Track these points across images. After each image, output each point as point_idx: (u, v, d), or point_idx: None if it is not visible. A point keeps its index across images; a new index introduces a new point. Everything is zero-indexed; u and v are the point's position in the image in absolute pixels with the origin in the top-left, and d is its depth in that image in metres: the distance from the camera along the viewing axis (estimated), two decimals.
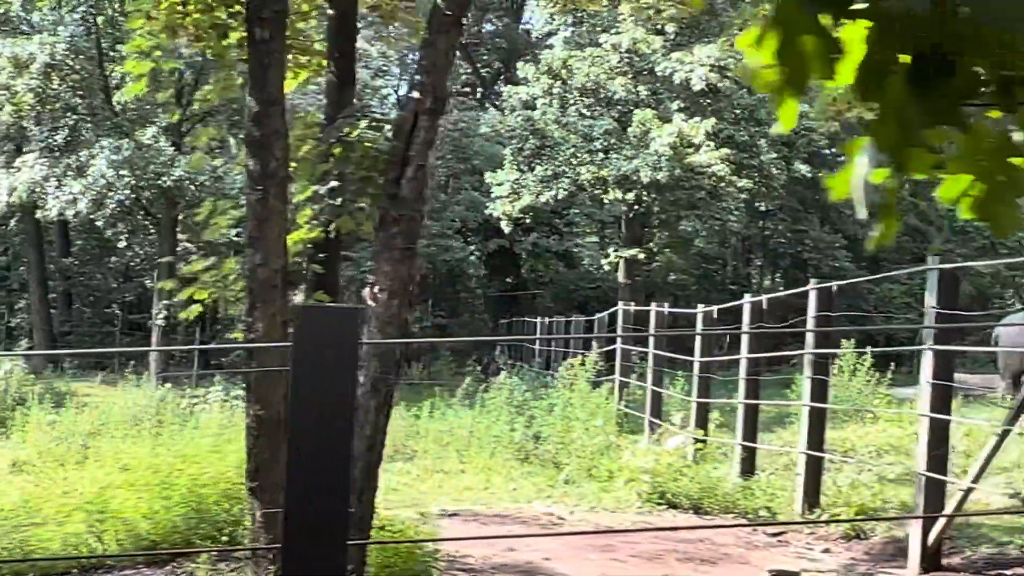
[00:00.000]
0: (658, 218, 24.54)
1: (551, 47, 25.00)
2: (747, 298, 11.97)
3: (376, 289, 6.57)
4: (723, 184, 21.95)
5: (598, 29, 23.37)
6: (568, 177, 22.56)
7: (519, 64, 25.28)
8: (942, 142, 1.32)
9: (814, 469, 9.94)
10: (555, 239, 30.11)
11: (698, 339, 13.07)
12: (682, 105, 22.97)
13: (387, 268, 6.56)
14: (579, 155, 22.51)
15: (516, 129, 23.67)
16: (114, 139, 23.14)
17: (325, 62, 7.23)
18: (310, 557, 2.65)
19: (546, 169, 23.00)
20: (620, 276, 25.43)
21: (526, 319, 32.40)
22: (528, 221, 25.90)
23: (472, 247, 31.38)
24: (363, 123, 6.33)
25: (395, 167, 6.44)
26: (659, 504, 10.16)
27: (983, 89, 1.26)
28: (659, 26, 23.20)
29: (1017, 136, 1.44)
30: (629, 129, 22.36)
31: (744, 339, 11.78)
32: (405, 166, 6.43)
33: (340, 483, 2.69)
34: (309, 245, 6.64)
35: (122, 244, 27.38)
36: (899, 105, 1.18)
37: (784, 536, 9.58)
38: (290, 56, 7.16)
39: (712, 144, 22.04)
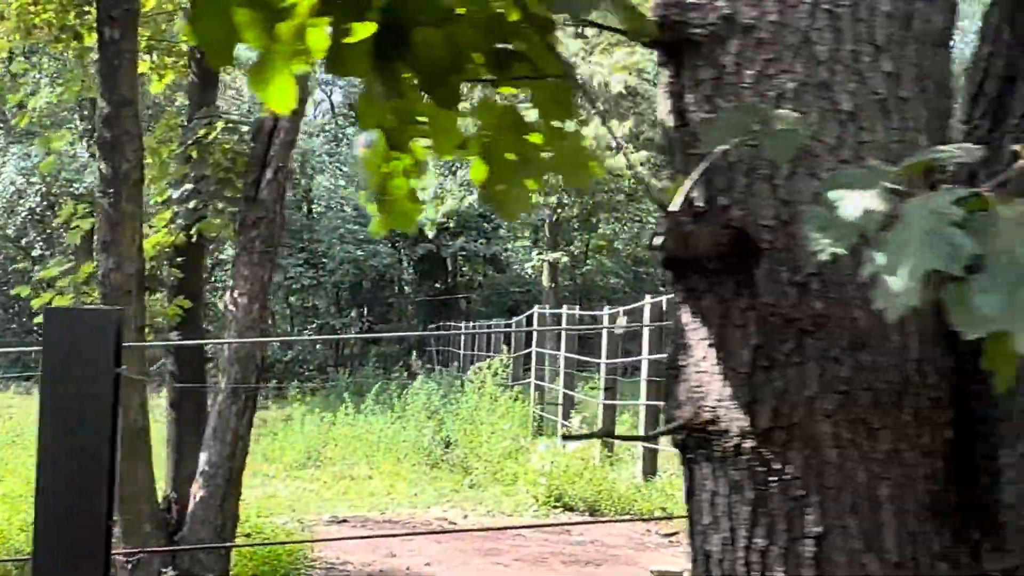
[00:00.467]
0: (577, 221, 24.53)
1: None
2: (647, 299, 12.00)
3: (236, 293, 6.47)
4: (642, 186, 21.94)
5: None
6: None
7: None
8: (452, 122, 1.27)
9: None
10: (483, 243, 29.98)
11: (604, 341, 13.06)
12: (602, 108, 22.94)
13: (246, 272, 6.46)
14: None
15: None
16: (24, 145, 22.68)
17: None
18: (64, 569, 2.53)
19: (467, 173, 22.88)
20: (544, 280, 25.41)
21: (453, 324, 32.26)
22: (452, 225, 25.74)
23: (402, 252, 31.13)
24: (220, 125, 6.20)
25: (254, 169, 6.34)
26: (555, 507, 10.14)
27: (471, 63, 1.21)
28: (579, 30, 23.22)
29: (531, 113, 1.40)
30: None
31: (645, 340, 11.82)
32: (264, 168, 6.34)
33: (96, 496, 2.55)
34: (168, 249, 6.50)
35: (35, 252, 26.82)
36: (367, 79, 1.12)
37: (677, 536, 9.61)
38: (155, 56, 7.03)
39: (631, 147, 22.09)
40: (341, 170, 32.22)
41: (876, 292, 0.92)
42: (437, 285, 31.63)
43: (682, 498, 1.28)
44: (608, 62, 22.61)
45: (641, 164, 21.86)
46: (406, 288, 32.77)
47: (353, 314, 32.70)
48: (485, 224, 30.03)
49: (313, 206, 32.87)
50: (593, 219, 24.86)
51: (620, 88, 22.30)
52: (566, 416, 14.44)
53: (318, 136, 33.87)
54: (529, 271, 28.16)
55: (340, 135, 34.59)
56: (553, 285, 24.91)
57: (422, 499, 10.78)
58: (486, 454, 12.25)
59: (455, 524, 9.33)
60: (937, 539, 1.21)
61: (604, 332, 13.06)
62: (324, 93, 36.82)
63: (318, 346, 30.88)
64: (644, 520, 9.68)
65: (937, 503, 1.22)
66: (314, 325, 32.22)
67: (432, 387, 16.88)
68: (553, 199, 22.17)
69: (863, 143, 1.26)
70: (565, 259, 24.29)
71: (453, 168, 23.68)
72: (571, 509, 10.14)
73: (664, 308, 11.75)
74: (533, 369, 16.99)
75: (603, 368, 12.89)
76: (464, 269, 32.63)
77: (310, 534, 8.18)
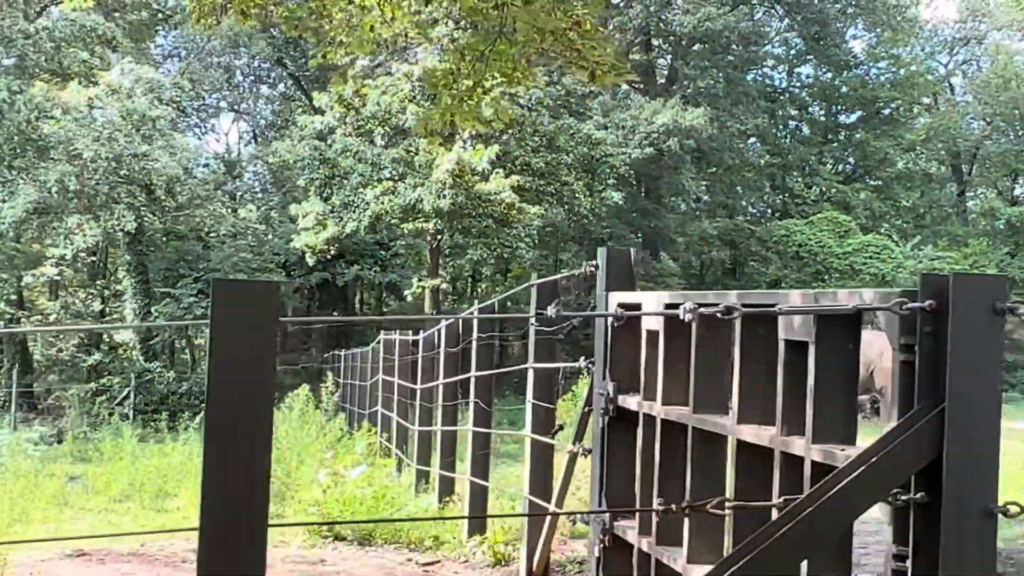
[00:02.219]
0: (447, 247, 24.36)
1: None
2: (443, 322, 11.77)
3: None
4: (514, 211, 21.89)
5: (393, 58, 23.17)
6: (358, 207, 22.26)
7: (315, 94, 24.97)
8: None
9: (479, 496, 9.77)
10: (378, 271, 29.74)
11: (419, 366, 12.83)
12: (473, 133, 22.88)
13: None
14: (371, 184, 22.23)
15: (305, 159, 23.31)
16: None
17: None
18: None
19: (339, 199, 22.66)
20: (427, 306, 25.20)
21: (352, 351, 31.96)
22: (347, 254, 25.47)
23: (298, 279, 30.85)
24: None
25: None
26: (326, 537, 9.83)
27: None
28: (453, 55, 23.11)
29: None
30: (416, 158, 22.18)
31: (441, 364, 11.57)
32: None
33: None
34: None
35: None
36: None
37: (435, 565, 9.34)
38: None
39: (501, 171, 21.98)
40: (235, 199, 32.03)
41: None
42: (335, 313, 31.36)
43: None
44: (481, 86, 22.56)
45: (512, 188, 21.78)
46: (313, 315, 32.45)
47: None
48: (382, 252, 29.86)
49: (210, 236, 32.50)
50: (462, 245, 24.70)
51: (489, 112, 22.21)
52: (400, 443, 14.20)
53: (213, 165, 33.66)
54: (408, 298, 27.93)
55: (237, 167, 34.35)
56: (435, 311, 24.68)
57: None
58: (288, 483, 11.94)
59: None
60: None
61: (420, 356, 12.85)
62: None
63: None
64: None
65: None
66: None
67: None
68: (430, 224, 21.99)
69: None
70: (444, 285, 24.10)
71: (324, 194, 23.44)
72: (342, 539, 9.82)
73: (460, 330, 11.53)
74: (380, 397, 16.73)
75: (418, 394, 12.67)
76: (366, 296, 32.44)
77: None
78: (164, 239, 32.45)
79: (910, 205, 45.96)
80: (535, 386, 7.32)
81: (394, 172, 22.37)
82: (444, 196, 21.17)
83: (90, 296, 34.28)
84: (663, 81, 40.01)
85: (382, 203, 21.66)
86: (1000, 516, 3.02)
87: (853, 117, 46.75)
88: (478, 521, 9.38)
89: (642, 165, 31.53)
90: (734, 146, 36.22)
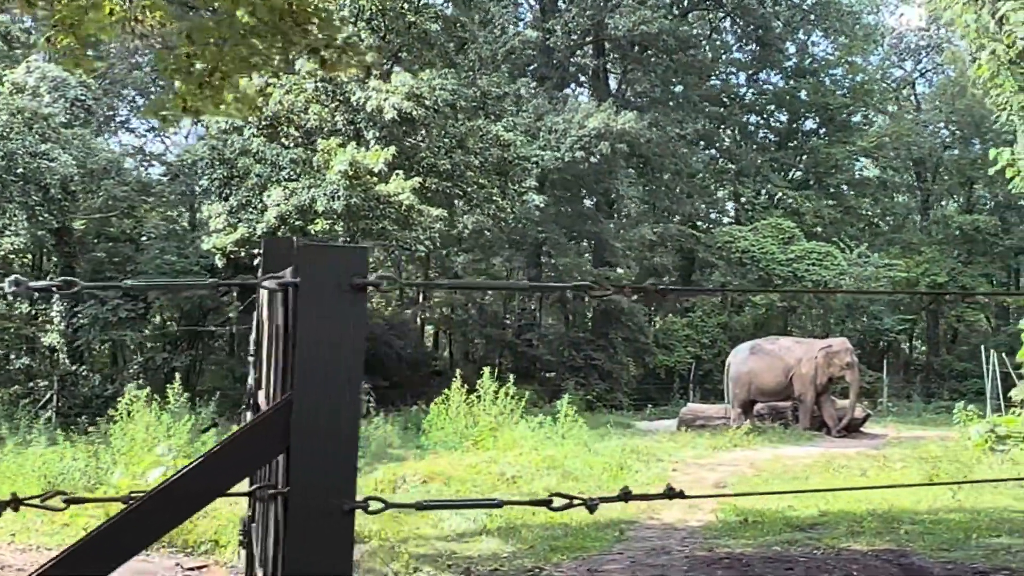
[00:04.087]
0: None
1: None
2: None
3: None
4: (414, 213, 21.53)
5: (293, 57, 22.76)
6: (256, 208, 21.91)
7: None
8: None
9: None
10: None
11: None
12: (378, 135, 22.56)
13: None
14: (270, 185, 21.89)
15: (205, 159, 22.96)
16: None
17: None
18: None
19: (237, 200, 22.31)
20: None
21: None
22: (253, 254, 25.03)
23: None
24: None
25: None
26: None
27: None
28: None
29: None
30: (314, 158, 21.83)
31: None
32: None
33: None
34: None
35: None
36: None
37: (201, 570, 9.02)
38: None
39: (402, 173, 21.64)
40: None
41: None
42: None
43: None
44: (385, 87, 22.24)
45: (413, 191, 21.41)
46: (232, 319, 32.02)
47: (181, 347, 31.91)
48: None
49: (141, 238, 32.15)
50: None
51: (393, 114, 21.90)
52: None
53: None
54: None
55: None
56: None
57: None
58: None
59: None
60: None
61: None
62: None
63: (140, 380, 30.04)
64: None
65: None
66: (139, 359, 31.45)
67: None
68: (328, 226, 21.63)
69: None
70: None
71: (223, 195, 23.06)
72: None
73: None
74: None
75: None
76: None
77: None
78: (95, 241, 32.12)
79: (865, 213, 45.66)
80: None
81: (292, 173, 22.00)
82: (338, 197, 20.81)
83: (18, 298, 33.88)
84: (616, 86, 39.77)
85: (281, 205, 21.30)
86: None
87: (808, 124, 46.51)
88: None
89: (575, 169, 31.21)
90: (677, 151, 35.88)
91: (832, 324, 38.03)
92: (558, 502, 3.34)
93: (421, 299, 36.03)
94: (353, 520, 2.81)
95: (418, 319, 37.04)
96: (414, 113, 21.98)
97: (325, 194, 20.79)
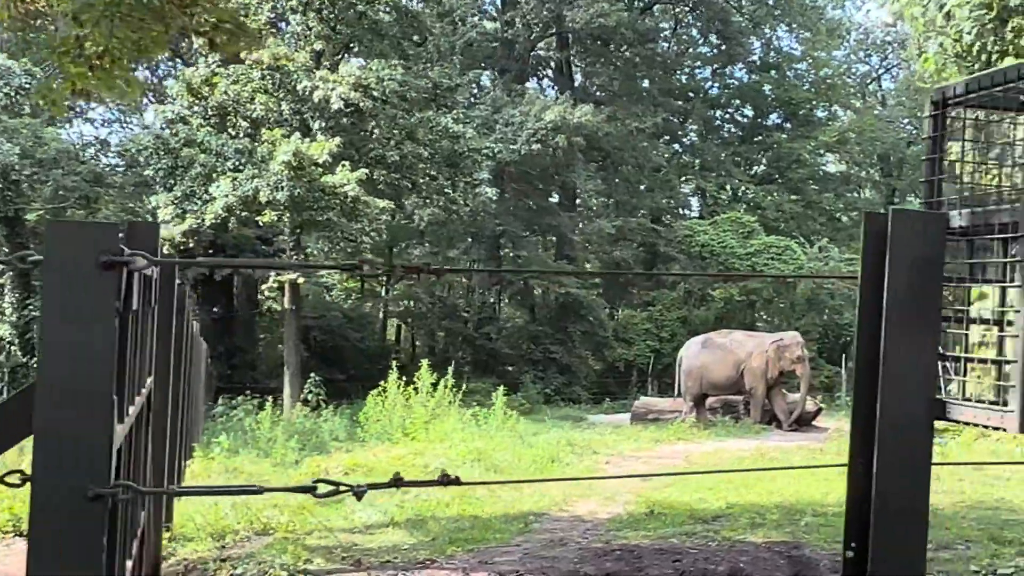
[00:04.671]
0: (290, 240, 23.79)
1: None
2: None
3: None
4: (361, 205, 21.36)
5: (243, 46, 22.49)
6: (200, 199, 21.68)
7: (167, 82, 24.37)
8: None
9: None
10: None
11: None
12: (325, 125, 22.37)
13: None
14: (215, 175, 21.65)
15: (149, 148, 22.68)
16: None
17: None
18: None
19: (181, 190, 22.07)
20: (286, 302, 24.63)
21: (240, 347, 31.47)
22: (204, 245, 24.83)
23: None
24: None
25: None
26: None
27: None
28: (308, 44, 22.63)
29: None
30: (259, 148, 21.62)
31: None
32: None
33: None
34: None
35: None
36: None
37: None
38: None
39: (348, 164, 21.45)
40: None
41: None
42: (216, 309, 30.71)
43: None
44: (332, 78, 22.04)
45: (359, 182, 21.24)
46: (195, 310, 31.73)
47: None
48: (264, 247, 29.28)
49: None
50: (302, 237, 24.09)
51: (340, 105, 21.71)
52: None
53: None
54: (266, 292, 27.32)
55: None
56: (294, 307, 24.12)
57: None
58: None
59: None
60: None
61: None
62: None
63: None
64: None
65: None
66: None
67: None
68: (272, 216, 21.44)
69: None
70: (303, 279, 23.55)
71: (168, 185, 22.81)
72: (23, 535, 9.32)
73: None
74: None
75: None
76: (251, 291, 31.84)
77: None
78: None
79: (828, 208, 45.79)
80: None
81: (238, 163, 21.78)
82: (282, 188, 20.62)
83: None
84: (580, 80, 39.71)
85: (229, 196, 21.08)
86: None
87: (773, 118, 46.56)
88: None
89: (533, 162, 31.11)
90: (638, 146, 35.82)
91: (794, 319, 38.12)
92: (323, 488, 3.27)
93: (384, 292, 35.88)
94: (104, 507, 2.70)
95: (381, 312, 36.89)
96: (361, 104, 21.81)
97: (268, 185, 20.60)
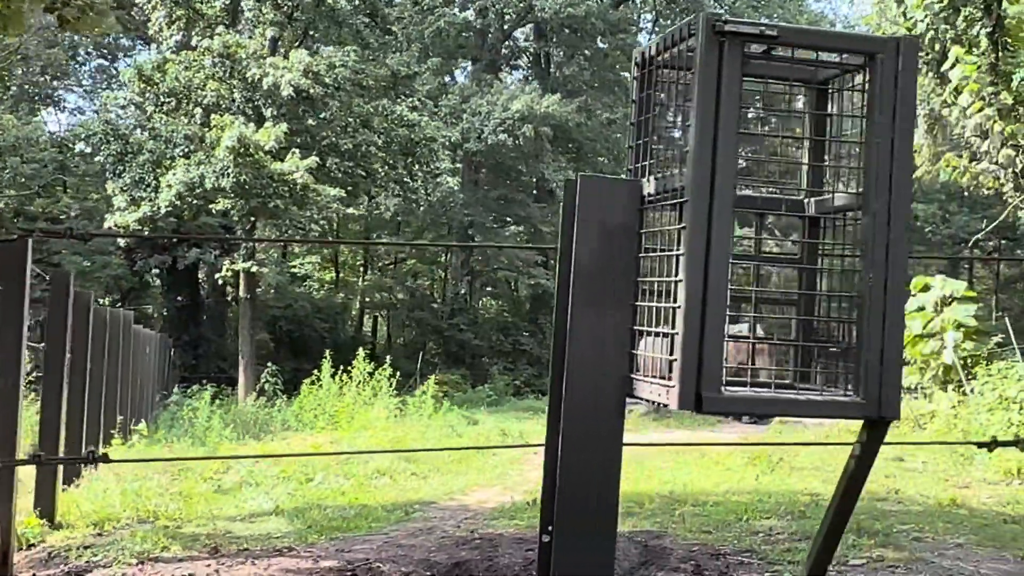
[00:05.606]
0: (239, 227, 23.59)
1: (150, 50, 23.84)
2: None
3: None
4: (312, 193, 21.18)
5: (196, 34, 22.39)
6: (148, 186, 21.49)
7: (121, 68, 24.17)
8: None
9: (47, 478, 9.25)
10: (219, 254, 28.92)
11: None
12: (276, 112, 22.18)
13: None
14: (163, 162, 21.46)
15: (98, 134, 22.49)
16: None
17: None
18: None
19: (130, 177, 21.88)
20: (241, 290, 24.43)
21: (203, 335, 31.28)
22: (147, 232, 24.56)
23: (139, 262, 29.95)
24: None
25: None
26: None
27: None
28: (260, 30, 22.41)
29: None
30: (208, 135, 21.43)
31: None
32: None
33: None
34: None
35: None
36: None
37: None
38: None
39: (298, 151, 21.26)
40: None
41: None
42: (179, 298, 30.52)
43: None
44: (283, 64, 21.83)
45: (309, 170, 21.05)
46: (159, 298, 31.66)
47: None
48: (228, 235, 29.07)
49: (62, 218, 31.67)
50: (254, 224, 23.84)
51: (290, 91, 21.51)
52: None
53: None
54: (219, 282, 27.10)
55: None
56: (249, 295, 23.92)
57: None
58: None
59: None
60: None
61: None
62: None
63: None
64: None
65: None
66: None
67: None
68: (226, 204, 21.23)
69: None
70: (256, 268, 23.35)
71: (117, 171, 22.60)
72: None
73: None
74: None
75: None
76: (225, 279, 31.64)
77: None
78: (15, 220, 31.62)
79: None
80: None
81: (187, 149, 21.59)
82: (227, 175, 20.44)
83: None
84: (554, 70, 39.42)
85: (178, 183, 20.88)
86: None
87: (750, 111, 46.13)
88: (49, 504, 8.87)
89: (501, 152, 30.90)
90: (610, 136, 35.61)
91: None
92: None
93: (360, 283, 35.72)
94: None
95: (357, 303, 36.70)
96: (312, 91, 21.61)
97: (214, 171, 20.40)
